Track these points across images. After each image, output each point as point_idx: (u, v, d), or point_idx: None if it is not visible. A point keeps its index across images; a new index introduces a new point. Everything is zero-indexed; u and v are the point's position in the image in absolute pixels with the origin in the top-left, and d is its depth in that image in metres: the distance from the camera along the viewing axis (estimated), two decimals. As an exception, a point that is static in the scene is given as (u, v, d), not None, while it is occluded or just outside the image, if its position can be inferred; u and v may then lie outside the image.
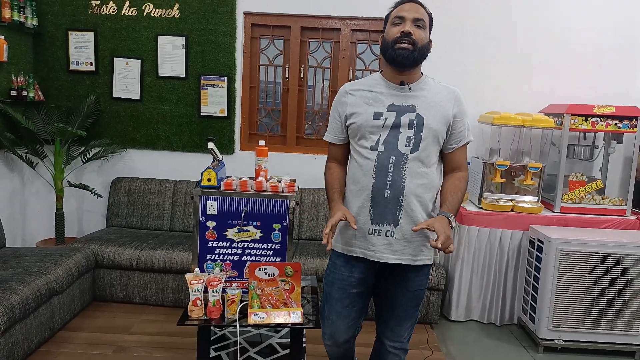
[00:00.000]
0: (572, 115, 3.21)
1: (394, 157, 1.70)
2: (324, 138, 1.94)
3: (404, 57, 1.67)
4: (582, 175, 3.34)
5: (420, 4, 1.73)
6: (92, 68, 3.73)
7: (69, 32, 3.70)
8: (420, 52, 1.68)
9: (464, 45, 3.61)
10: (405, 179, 1.70)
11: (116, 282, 3.23)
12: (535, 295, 3.01)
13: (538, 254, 3.00)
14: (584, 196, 3.32)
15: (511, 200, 3.30)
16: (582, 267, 2.87)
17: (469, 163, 3.50)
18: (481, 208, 3.27)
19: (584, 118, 3.21)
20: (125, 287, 3.23)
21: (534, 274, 3.04)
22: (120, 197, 3.71)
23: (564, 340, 2.94)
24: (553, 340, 2.94)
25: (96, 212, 3.88)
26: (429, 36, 1.74)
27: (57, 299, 2.75)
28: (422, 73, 1.81)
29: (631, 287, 2.86)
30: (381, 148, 1.72)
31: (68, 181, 3.64)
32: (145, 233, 3.53)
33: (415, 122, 1.70)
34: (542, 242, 2.97)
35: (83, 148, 3.67)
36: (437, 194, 1.83)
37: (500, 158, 3.31)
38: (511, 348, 3.01)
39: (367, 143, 1.74)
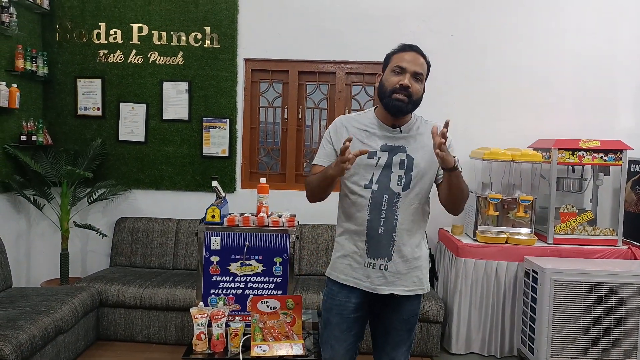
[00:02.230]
0: (560, 149, 3.35)
1: (387, 196, 1.79)
2: (313, 162, 1.93)
3: (398, 109, 1.76)
4: (572, 207, 3.45)
5: (421, 54, 1.80)
6: (99, 113, 3.90)
7: (78, 80, 3.89)
8: (414, 104, 1.78)
9: (453, 86, 3.79)
10: (397, 216, 1.79)
11: (120, 320, 3.27)
12: (533, 325, 3.06)
13: (533, 284, 3.07)
14: (575, 227, 3.42)
15: (505, 233, 3.39)
16: (577, 296, 2.93)
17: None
18: (476, 240, 3.36)
19: (570, 152, 3.34)
20: (129, 325, 3.27)
21: (531, 305, 3.09)
22: (124, 236, 3.79)
23: (563, 371, 2.97)
24: (553, 371, 2.96)
25: (100, 251, 3.95)
26: (424, 84, 1.82)
27: (63, 337, 2.79)
28: (412, 114, 1.89)
29: (626, 314, 2.91)
30: (375, 187, 1.80)
31: (74, 221, 3.74)
32: (148, 271, 3.60)
33: (405, 162, 1.80)
34: (536, 273, 3.04)
35: (89, 189, 3.78)
36: (425, 223, 1.92)
37: (492, 192, 3.43)
38: (512, 380, 3.03)
39: (362, 181, 1.81)
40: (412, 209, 1.80)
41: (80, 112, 3.91)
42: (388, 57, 1.84)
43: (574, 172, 3.65)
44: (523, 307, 3.22)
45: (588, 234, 3.39)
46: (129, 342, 3.28)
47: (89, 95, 3.91)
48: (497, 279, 3.27)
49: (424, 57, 1.81)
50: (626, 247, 3.34)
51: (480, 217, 3.42)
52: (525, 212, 3.37)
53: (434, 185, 1.90)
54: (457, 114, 3.77)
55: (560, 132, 3.68)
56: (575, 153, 3.34)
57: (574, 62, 3.77)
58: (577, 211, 3.44)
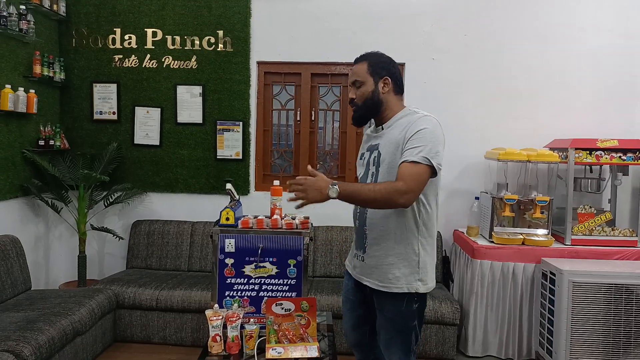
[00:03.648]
0: (576, 149, 3.30)
1: None
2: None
3: (354, 119, 1.97)
4: (590, 207, 3.40)
5: (358, 61, 1.94)
6: (115, 117, 3.95)
7: (94, 84, 3.95)
8: (364, 107, 1.91)
9: (467, 86, 3.77)
10: (366, 211, 1.92)
11: (136, 322, 3.30)
12: (551, 328, 3.01)
13: (551, 286, 3.03)
14: (593, 228, 3.36)
15: (521, 234, 3.35)
16: (596, 298, 2.89)
17: (477, 198, 3.61)
18: (492, 242, 3.32)
19: (588, 152, 3.29)
20: (145, 327, 3.30)
21: (549, 307, 3.05)
22: (140, 239, 3.83)
23: (583, 374, 2.92)
24: (572, 374, 2.92)
25: (116, 254, 4.00)
26: (378, 79, 1.88)
27: (81, 339, 2.83)
28: (405, 107, 1.94)
29: (647, 317, 2.86)
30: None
31: (91, 224, 3.79)
32: (164, 274, 3.63)
33: (376, 158, 1.91)
34: (554, 275, 2.99)
35: (105, 192, 3.83)
36: (411, 223, 1.86)
37: (508, 192, 3.39)
38: (530, 383, 2.99)
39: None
40: (377, 182, 1.86)
41: (96, 116, 3.96)
42: None
43: (591, 172, 3.59)
44: (541, 309, 3.18)
45: (607, 235, 3.33)
46: (146, 344, 3.31)
47: (105, 100, 3.96)
48: (514, 281, 3.23)
49: (363, 59, 1.93)
50: (646, 248, 3.27)
51: (496, 218, 3.38)
52: (542, 213, 3.32)
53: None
54: (471, 114, 3.76)
55: (577, 132, 3.62)
56: (593, 153, 3.29)
57: (591, 59, 3.71)
58: (595, 212, 3.38)
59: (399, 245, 1.87)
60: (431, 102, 3.71)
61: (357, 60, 1.96)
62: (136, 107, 3.95)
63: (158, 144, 3.95)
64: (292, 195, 1.83)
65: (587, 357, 2.90)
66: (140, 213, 3.98)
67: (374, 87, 1.90)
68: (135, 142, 3.95)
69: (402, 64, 3.78)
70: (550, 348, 3.02)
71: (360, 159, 2.05)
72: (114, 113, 3.96)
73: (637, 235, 3.32)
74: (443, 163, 1.82)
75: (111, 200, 3.85)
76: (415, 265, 1.87)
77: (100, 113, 3.97)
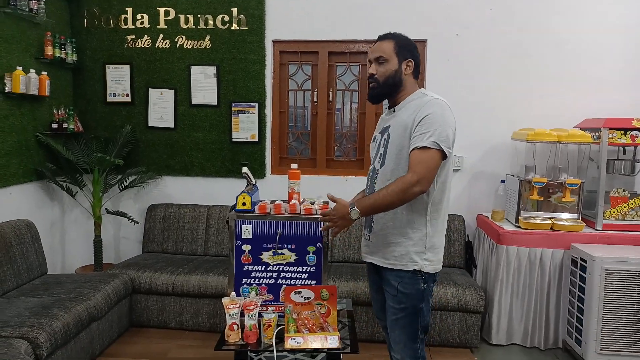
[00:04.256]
0: (610, 129, 3.12)
1: (371, 172, 1.99)
2: None
3: (371, 96, 1.97)
4: (624, 190, 3.22)
5: (384, 38, 1.93)
6: (128, 99, 3.87)
7: (106, 66, 3.86)
8: (384, 85, 1.90)
9: (492, 63, 3.59)
10: (375, 190, 1.92)
11: (152, 307, 3.26)
12: (581, 316, 2.88)
13: (582, 273, 2.89)
14: (627, 212, 3.20)
15: (550, 218, 3.20)
16: (630, 286, 2.75)
17: (503, 181, 3.47)
18: (519, 227, 3.19)
19: (622, 132, 3.11)
20: (162, 312, 3.26)
21: (578, 295, 2.92)
22: (156, 223, 3.78)
23: (613, 364, 2.80)
24: (602, 364, 2.80)
25: (132, 238, 3.96)
26: (402, 60, 1.90)
27: (97, 324, 2.79)
28: (418, 90, 1.95)
29: (684, 307, 2.71)
30: (371, 166, 2.02)
31: (106, 209, 3.74)
32: (180, 258, 3.58)
33: (386, 140, 1.92)
34: (585, 261, 2.85)
35: (120, 176, 3.78)
36: (418, 202, 1.85)
37: (536, 175, 3.23)
38: (557, 373, 2.88)
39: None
40: (387, 183, 1.85)
41: (109, 98, 3.89)
42: None
43: (624, 153, 3.41)
44: (569, 297, 3.04)
45: (641, 219, 3.17)
46: (162, 329, 3.27)
47: (118, 82, 3.88)
48: (542, 267, 3.10)
49: (390, 38, 1.92)
50: (683, 233, 3.10)
51: (522, 202, 3.24)
52: (572, 196, 3.17)
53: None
54: (497, 93, 3.60)
55: (610, 111, 3.42)
56: (628, 133, 3.11)
57: (624, 33, 3.48)
58: (628, 195, 3.21)
59: (406, 224, 1.88)
60: (454, 81, 3.57)
61: (383, 38, 1.94)
62: (150, 89, 3.85)
63: (172, 126, 3.86)
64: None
65: (618, 348, 2.78)
66: (155, 197, 3.92)
67: (398, 67, 1.90)
68: (150, 124, 3.87)
69: (424, 41, 3.61)
70: (580, 337, 2.89)
71: (373, 141, 2.06)
72: (127, 95, 3.88)
73: (673, 220, 3.15)
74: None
75: (126, 184, 3.79)
76: (422, 244, 1.88)
77: (114, 95, 3.89)
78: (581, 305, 2.89)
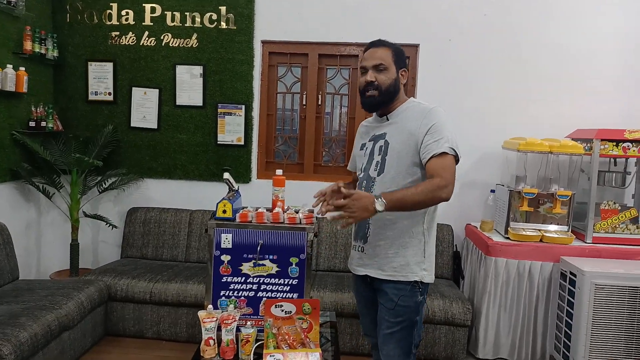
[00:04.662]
0: (602, 140, 3.07)
1: (365, 181, 1.90)
2: (347, 168, 2.25)
3: (370, 105, 1.89)
4: (614, 203, 3.17)
5: (380, 45, 1.87)
6: (111, 98, 3.75)
7: (89, 63, 3.73)
8: (386, 94, 1.85)
9: (484, 70, 3.53)
10: None
11: (129, 315, 3.14)
12: (569, 332, 2.82)
13: (571, 287, 2.83)
14: (617, 225, 3.15)
15: (539, 230, 3.14)
16: (620, 302, 2.69)
17: (493, 190, 3.40)
18: (508, 238, 3.12)
19: (614, 143, 3.06)
20: (138, 321, 3.14)
21: (567, 309, 2.86)
22: (136, 227, 3.65)
23: (601, 381, 2.74)
24: (590, 380, 2.74)
25: (111, 242, 3.82)
26: (399, 69, 1.87)
27: (68, 334, 2.66)
28: (409, 98, 1.93)
29: (674, 324, 2.66)
30: (361, 174, 1.95)
31: (84, 212, 3.61)
32: (159, 264, 3.46)
33: (383, 147, 1.87)
34: (574, 275, 2.79)
35: (100, 178, 3.65)
36: (421, 211, 1.84)
37: (527, 185, 3.17)
38: (545, 389, 2.81)
39: (358, 171, 2.00)
40: (388, 192, 1.76)
41: (91, 97, 3.76)
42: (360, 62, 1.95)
43: (615, 165, 3.36)
44: (558, 311, 2.98)
45: (631, 233, 3.12)
46: (138, 339, 3.15)
47: (100, 80, 3.75)
48: (530, 280, 3.04)
49: (386, 45, 1.87)
50: (674, 248, 3.06)
51: (512, 213, 3.17)
52: (562, 208, 3.11)
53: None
54: (489, 101, 3.55)
55: (602, 121, 3.38)
56: (620, 144, 3.06)
57: (619, 42, 3.45)
58: (619, 208, 3.16)
59: (404, 234, 1.84)
60: (446, 87, 3.50)
61: (378, 44, 1.88)
62: (133, 88, 3.73)
63: (156, 127, 3.74)
64: (330, 214, 1.73)
65: (607, 364, 2.72)
66: (136, 200, 3.80)
67: (396, 75, 1.87)
68: (132, 125, 3.75)
69: (416, 45, 3.54)
70: (567, 353, 2.83)
71: (361, 149, 1.99)
72: (109, 94, 3.76)
73: (663, 235, 3.11)
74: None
75: (105, 186, 3.66)
76: (421, 254, 1.86)
77: (96, 94, 3.77)
78: (569, 320, 2.83)
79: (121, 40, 3.71)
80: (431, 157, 1.75)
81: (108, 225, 3.60)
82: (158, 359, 2.93)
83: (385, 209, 1.65)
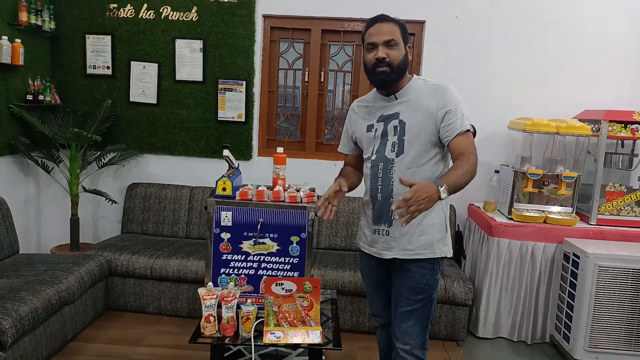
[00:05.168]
0: (610, 121, 3.01)
1: (382, 164, 1.83)
2: (338, 149, 2.12)
3: (383, 82, 1.81)
4: (620, 185, 3.13)
5: (387, 20, 1.80)
6: (109, 72, 3.67)
7: (86, 36, 3.65)
8: (398, 71, 1.79)
9: (492, 48, 3.45)
10: (393, 182, 1.81)
11: (130, 290, 3.14)
12: (570, 313, 2.82)
13: (573, 269, 2.81)
14: (622, 208, 3.11)
15: (543, 211, 3.11)
16: (623, 284, 2.67)
17: (497, 171, 3.36)
18: (511, 219, 3.09)
19: (622, 125, 3.01)
20: (139, 296, 3.14)
21: (569, 290, 2.84)
22: (136, 203, 3.63)
23: (601, 362, 2.74)
24: (589, 361, 2.74)
25: (112, 217, 3.81)
26: (406, 45, 1.82)
27: (69, 308, 2.66)
28: (412, 75, 1.88)
29: (676, 307, 2.65)
30: (374, 157, 1.86)
31: (83, 187, 3.58)
32: (160, 240, 3.44)
33: (398, 128, 1.81)
34: (577, 257, 2.77)
35: (99, 153, 3.60)
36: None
37: (532, 167, 3.12)
38: (544, 369, 2.83)
39: (366, 154, 1.91)
40: (409, 173, 1.78)
41: (89, 70, 3.69)
42: (362, 38, 1.87)
43: (622, 147, 3.31)
44: (560, 292, 2.97)
45: (636, 215, 3.09)
46: (140, 314, 3.16)
47: (99, 53, 3.68)
48: (533, 261, 3.02)
49: (392, 21, 1.81)
50: (678, 231, 3.03)
51: (516, 193, 3.14)
52: (567, 189, 3.07)
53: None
54: (495, 79, 3.48)
55: (610, 103, 3.30)
56: (628, 126, 3.00)
57: (629, 21, 3.35)
58: (625, 190, 3.12)
59: (428, 213, 1.76)
60: (452, 65, 3.43)
61: (384, 19, 1.81)
62: (132, 62, 3.66)
63: (155, 102, 3.68)
64: (398, 210, 1.60)
65: (607, 346, 2.71)
66: (135, 175, 3.76)
67: (405, 51, 1.82)
68: (131, 99, 3.69)
69: (422, 22, 3.45)
70: (568, 333, 2.83)
71: (368, 131, 1.89)
72: (108, 67, 3.68)
73: (668, 217, 3.08)
74: None
75: (105, 161, 3.62)
76: (444, 230, 1.87)
77: (94, 67, 3.69)
78: (571, 301, 2.82)
79: (119, 13, 3.62)
80: (457, 134, 1.74)
81: (108, 200, 3.57)
82: (159, 334, 2.93)
83: (444, 197, 1.60)
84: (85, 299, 2.84)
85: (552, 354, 2.99)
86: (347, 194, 3.47)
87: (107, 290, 3.14)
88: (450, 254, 1.90)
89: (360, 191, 2.01)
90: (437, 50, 3.46)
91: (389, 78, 1.79)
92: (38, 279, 2.56)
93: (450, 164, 1.82)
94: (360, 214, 3.45)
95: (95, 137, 3.32)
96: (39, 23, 3.38)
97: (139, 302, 3.15)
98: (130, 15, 3.60)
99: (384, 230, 1.87)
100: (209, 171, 3.67)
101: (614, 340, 2.71)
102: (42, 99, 3.42)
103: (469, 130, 1.75)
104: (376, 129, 1.87)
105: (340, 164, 3.52)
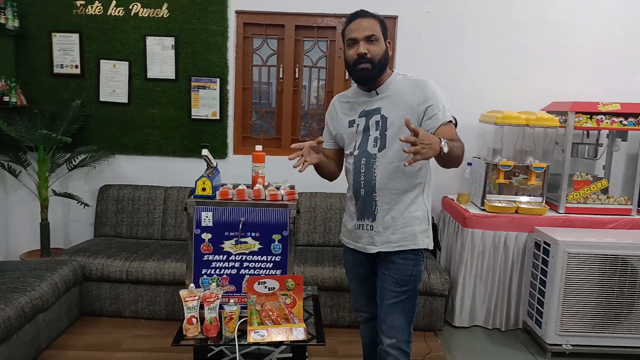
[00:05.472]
0: (577, 113, 3.12)
1: (364, 159, 1.85)
2: None
3: (365, 78, 1.82)
4: (587, 174, 3.26)
5: (367, 15, 1.81)
6: (78, 71, 3.58)
7: (53, 34, 3.54)
8: (379, 67, 1.80)
9: (463, 43, 3.52)
10: (375, 177, 1.83)
11: (105, 295, 3.07)
12: (542, 299, 2.91)
13: (544, 256, 2.91)
14: (588, 196, 3.24)
15: (514, 202, 3.20)
16: (591, 269, 2.78)
17: (469, 163, 3.44)
18: (484, 210, 3.17)
19: (588, 116, 3.12)
20: (115, 300, 3.08)
21: (540, 277, 2.94)
22: (109, 205, 3.55)
23: (572, 345, 2.85)
24: (561, 345, 2.85)
25: (83, 221, 3.72)
26: (386, 41, 1.83)
27: (43, 316, 2.59)
28: (393, 71, 1.90)
29: (641, 289, 2.77)
30: (356, 152, 1.88)
31: (53, 190, 3.48)
32: (135, 243, 3.38)
33: (380, 123, 1.83)
34: (548, 245, 2.87)
35: (69, 155, 3.51)
36: (419, 180, 1.87)
37: (503, 158, 3.21)
38: (518, 354, 2.92)
39: (348, 149, 1.92)
40: (392, 167, 1.81)
41: (56, 70, 3.58)
42: (342, 33, 1.87)
43: (588, 137, 3.44)
44: (531, 280, 3.07)
45: (602, 203, 3.22)
46: (116, 318, 3.09)
47: (66, 52, 3.57)
48: (505, 250, 3.11)
49: (372, 16, 1.82)
50: (640, 216, 3.18)
51: (488, 185, 3.22)
52: (537, 179, 3.17)
53: None
54: (466, 73, 3.54)
55: (574, 94, 3.42)
56: (593, 117, 3.12)
57: (594, 17, 3.48)
58: (591, 179, 3.24)
59: (410, 205, 1.86)
60: (425, 59, 3.48)
61: (364, 15, 1.81)
62: (101, 61, 3.57)
63: (126, 101, 3.60)
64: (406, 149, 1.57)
65: (577, 329, 2.82)
66: (107, 177, 3.68)
67: (385, 47, 1.84)
68: (101, 99, 3.60)
69: (395, 17, 3.49)
70: (540, 319, 2.93)
71: (350, 126, 1.91)
72: (76, 67, 3.58)
73: (631, 204, 3.22)
74: None
75: (75, 163, 3.53)
76: (426, 222, 1.90)
77: (61, 67, 3.59)
78: (543, 288, 2.91)
79: (87, 10, 3.52)
80: (440, 125, 1.76)
81: (80, 203, 3.48)
82: (137, 338, 2.89)
83: (446, 151, 1.58)
84: (60, 305, 2.77)
85: (525, 339, 3.09)
86: (325, 190, 3.51)
87: (82, 295, 3.06)
88: (431, 246, 1.93)
89: (337, 187, 2.03)
90: (410, 45, 3.51)
91: (370, 75, 1.80)
92: (9, 287, 2.48)
93: (432, 159, 1.82)
94: (337, 210, 3.50)
95: (65, 138, 3.24)
96: (2, 21, 3.28)
97: (115, 307, 3.09)
98: (98, 12, 3.51)
99: (368, 225, 1.89)
100: (183, 171, 3.63)
101: (583, 324, 2.82)
102: (8, 100, 3.31)
103: (451, 121, 1.80)
104: (358, 124, 1.88)
105: (316, 160, 3.59)
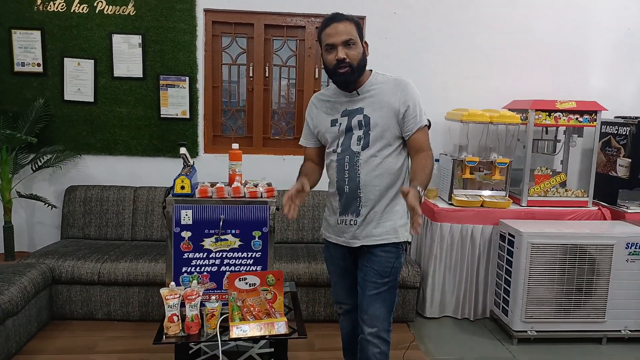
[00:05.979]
0: (537, 110, 3.28)
1: (348, 157, 1.89)
2: (299, 143, 2.14)
3: (346, 83, 1.87)
4: (546, 169, 3.43)
5: (342, 19, 1.82)
6: (40, 69, 3.47)
7: (13, 31, 3.42)
8: (358, 70, 1.84)
9: (428, 44, 3.62)
10: (359, 174, 1.88)
11: (76, 298, 3.01)
12: (508, 288, 3.05)
13: (509, 247, 3.05)
14: (548, 189, 3.41)
15: (480, 196, 3.34)
16: (553, 259, 2.93)
17: (437, 160, 3.55)
18: (452, 204, 3.29)
19: (547, 113, 3.29)
20: (87, 302, 3.02)
21: (506, 268, 3.08)
22: (76, 206, 3.47)
23: (536, 331, 3.00)
24: (526, 331, 2.99)
25: (49, 223, 3.61)
26: (362, 42, 1.86)
27: (12, 320, 2.52)
28: (371, 71, 1.93)
29: (597, 275, 2.95)
30: (339, 150, 1.92)
31: (17, 191, 3.37)
32: (105, 244, 3.32)
33: (363, 122, 1.88)
34: (513, 237, 3.01)
35: (33, 155, 3.40)
36: (400, 176, 1.93)
37: (469, 154, 3.34)
38: (487, 342, 3.04)
39: (331, 148, 1.96)
40: (374, 164, 1.87)
41: (17, 68, 3.46)
42: (319, 37, 1.89)
43: (547, 133, 3.62)
44: (497, 270, 3.21)
45: (561, 196, 3.40)
46: (88, 321, 3.03)
47: (27, 49, 3.46)
48: (472, 243, 3.24)
49: (347, 19, 1.84)
50: (596, 208, 3.37)
51: (455, 180, 3.34)
52: (501, 174, 3.32)
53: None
54: (433, 73, 3.65)
55: (534, 93, 3.60)
56: (552, 114, 3.29)
57: (552, 20, 3.66)
58: (550, 173, 3.42)
59: (392, 200, 1.92)
60: (392, 59, 3.56)
61: (339, 18, 1.83)
62: (65, 59, 3.47)
63: (92, 100, 3.52)
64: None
65: (541, 316, 2.97)
66: (74, 178, 3.59)
67: (363, 49, 1.87)
68: (66, 98, 3.50)
69: (363, 17, 3.56)
70: (506, 307, 3.07)
71: (332, 125, 1.94)
72: (38, 65, 3.47)
73: (587, 196, 3.41)
74: None
75: (40, 164, 3.42)
76: (405, 216, 1.96)
77: (22, 64, 3.47)
78: (508, 278, 3.05)
79: (49, 7, 3.42)
80: (418, 129, 1.86)
81: (46, 205, 3.38)
82: (111, 340, 2.84)
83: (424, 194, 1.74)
84: (29, 309, 2.70)
85: (493, 327, 3.23)
86: (289, 187, 3.55)
87: (51, 298, 2.99)
88: (410, 239, 2.02)
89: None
90: (378, 45, 3.56)
91: (351, 78, 1.84)
92: (-24, 292, 2.40)
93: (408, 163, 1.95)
94: (310, 207, 3.54)
95: (31, 138, 3.14)
96: (-42, 17, 3.14)
97: (87, 309, 3.03)
98: (61, 9, 3.42)
99: (351, 220, 1.94)
100: (153, 170, 3.59)
101: (547, 311, 2.98)
102: (-35, 99, 3.18)
103: (426, 125, 1.88)
104: (340, 124, 1.92)
105: (289, 158, 3.64)
